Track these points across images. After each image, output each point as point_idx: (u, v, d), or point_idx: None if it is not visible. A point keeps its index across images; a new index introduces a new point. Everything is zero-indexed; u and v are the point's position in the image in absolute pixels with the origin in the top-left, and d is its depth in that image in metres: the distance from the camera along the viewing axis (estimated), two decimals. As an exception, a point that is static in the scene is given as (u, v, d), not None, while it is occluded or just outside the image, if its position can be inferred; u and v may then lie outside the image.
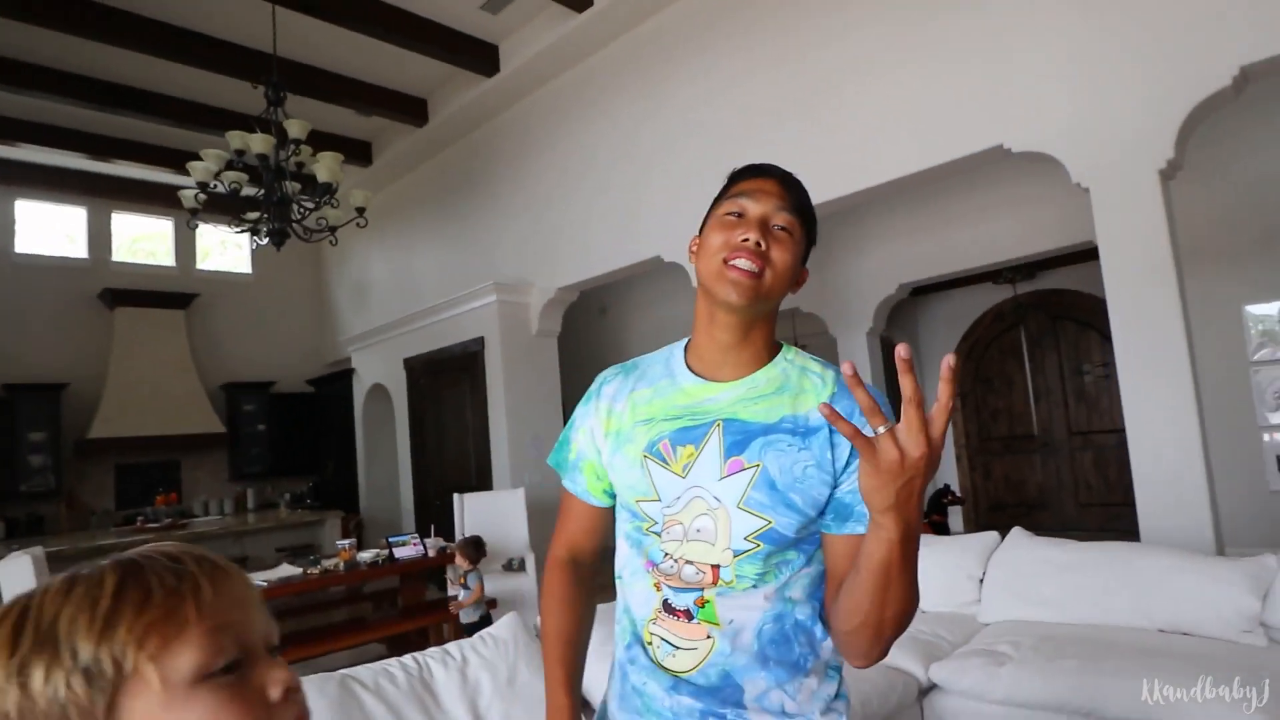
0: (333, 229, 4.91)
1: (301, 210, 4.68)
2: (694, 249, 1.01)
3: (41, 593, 0.45)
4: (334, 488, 9.21)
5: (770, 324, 0.99)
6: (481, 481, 6.62)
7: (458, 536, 5.14)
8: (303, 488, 9.41)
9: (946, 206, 6.14)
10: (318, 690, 1.81)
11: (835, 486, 0.91)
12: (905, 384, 0.67)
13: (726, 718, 0.92)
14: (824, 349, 7.02)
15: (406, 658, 2.10)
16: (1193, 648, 2.38)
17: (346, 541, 4.22)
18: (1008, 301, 7.34)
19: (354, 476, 8.85)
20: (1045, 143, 3.82)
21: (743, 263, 0.91)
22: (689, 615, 0.94)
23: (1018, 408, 7.37)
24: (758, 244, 0.92)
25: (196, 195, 4.56)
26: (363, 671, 1.97)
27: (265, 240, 4.61)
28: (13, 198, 8.25)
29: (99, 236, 8.78)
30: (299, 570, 4.01)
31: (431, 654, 2.12)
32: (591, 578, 1.16)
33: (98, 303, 8.54)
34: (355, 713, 1.83)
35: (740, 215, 0.94)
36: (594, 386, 1.09)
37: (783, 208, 0.95)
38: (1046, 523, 6.84)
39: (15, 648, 0.42)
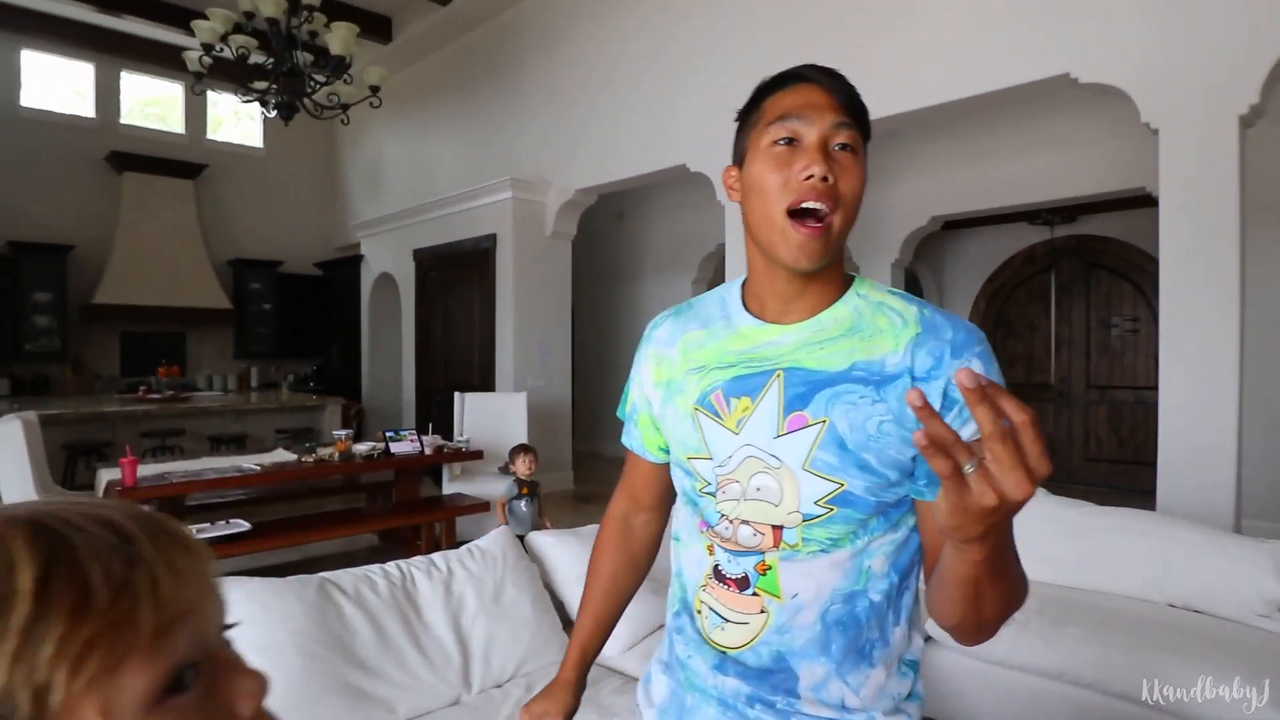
0: (345, 106, 4.64)
1: (312, 84, 4.40)
2: (732, 184, 0.85)
3: None
4: (337, 374, 9.21)
5: (838, 259, 0.82)
6: (484, 382, 6.55)
7: (456, 435, 5.10)
8: (306, 370, 9.42)
9: (989, 138, 5.78)
10: (295, 594, 1.74)
11: None
12: (981, 418, 0.51)
13: (775, 706, 0.81)
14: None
15: (390, 565, 2.02)
16: (1202, 626, 2.30)
17: (343, 432, 4.17)
18: (1041, 244, 7.04)
19: (357, 364, 8.82)
20: (1117, 75, 3.49)
21: (811, 205, 0.75)
22: (744, 584, 0.82)
23: (1038, 355, 7.19)
24: (825, 178, 0.75)
25: (200, 58, 4.29)
26: (344, 577, 1.90)
27: (273, 112, 4.35)
28: (18, 47, 7.88)
29: (107, 96, 8.44)
30: (294, 457, 3.97)
31: (416, 563, 2.05)
32: (649, 538, 1.06)
33: (105, 165, 8.30)
34: (334, 619, 1.76)
35: (792, 141, 0.77)
36: (646, 331, 0.97)
37: (841, 121, 0.77)
38: (1052, 474, 6.78)
39: None
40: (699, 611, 0.86)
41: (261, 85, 4.41)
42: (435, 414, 6.77)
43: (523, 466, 3.87)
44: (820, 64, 0.82)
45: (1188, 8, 3.31)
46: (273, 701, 0.39)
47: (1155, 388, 3.45)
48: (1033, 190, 5.65)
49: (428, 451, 4.29)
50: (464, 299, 6.89)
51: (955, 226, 7.10)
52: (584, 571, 2.28)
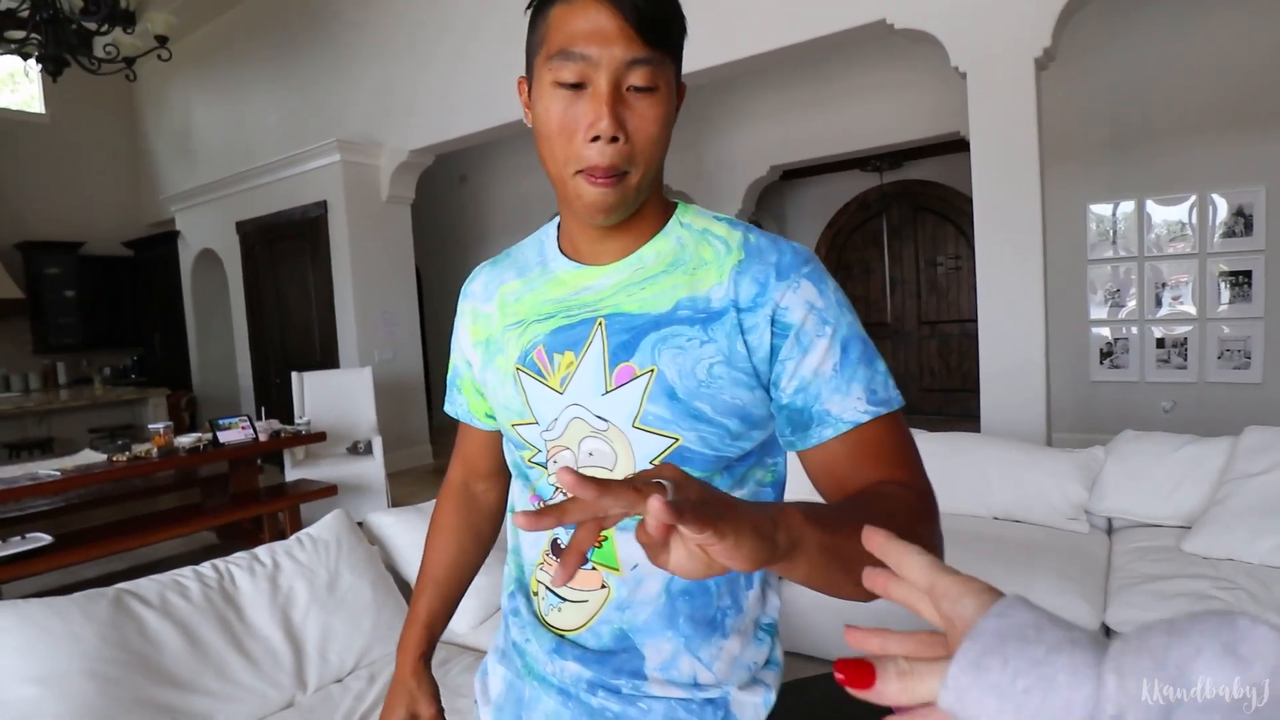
0: (128, 61, 4.09)
1: (81, 32, 3.84)
2: (525, 102, 0.73)
3: None
4: (162, 363, 8.37)
5: (656, 190, 0.74)
6: (328, 359, 6.15)
7: (297, 417, 4.75)
8: (126, 361, 8.50)
9: (820, 88, 5.96)
10: (82, 612, 1.52)
11: (767, 387, 0.70)
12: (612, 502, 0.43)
13: (620, 691, 0.74)
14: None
15: (205, 566, 1.83)
16: (1023, 534, 2.51)
17: (161, 425, 3.75)
18: (873, 190, 7.41)
19: (185, 351, 8.05)
20: (928, 21, 3.65)
21: (598, 161, 0.64)
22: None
23: (874, 295, 7.61)
24: (615, 138, 0.64)
25: (-66, 1, 3.63)
26: (147, 585, 1.69)
27: (36, 66, 3.77)
28: None
29: None
30: (103, 457, 3.54)
31: (237, 560, 1.86)
32: (492, 505, 0.97)
33: None
34: (133, 635, 1.56)
35: (577, 86, 0.64)
36: (463, 285, 0.89)
37: (635, 58, 0.63)
38: (892, 406, 7.26)
39: None
40: (535, 593, 0.80)
41: (18, 35, 3.80)
42: (275, 397, 6.30)
43: None
44: None
45: (987, -45, 3.48)
46: None
47: (976, 319, 3.71)
48: (863, 138, 5.90)
49: (263, 438, 3.96)
50: (297, 272, 6.40)
51: (794, 176, 7.33)
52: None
